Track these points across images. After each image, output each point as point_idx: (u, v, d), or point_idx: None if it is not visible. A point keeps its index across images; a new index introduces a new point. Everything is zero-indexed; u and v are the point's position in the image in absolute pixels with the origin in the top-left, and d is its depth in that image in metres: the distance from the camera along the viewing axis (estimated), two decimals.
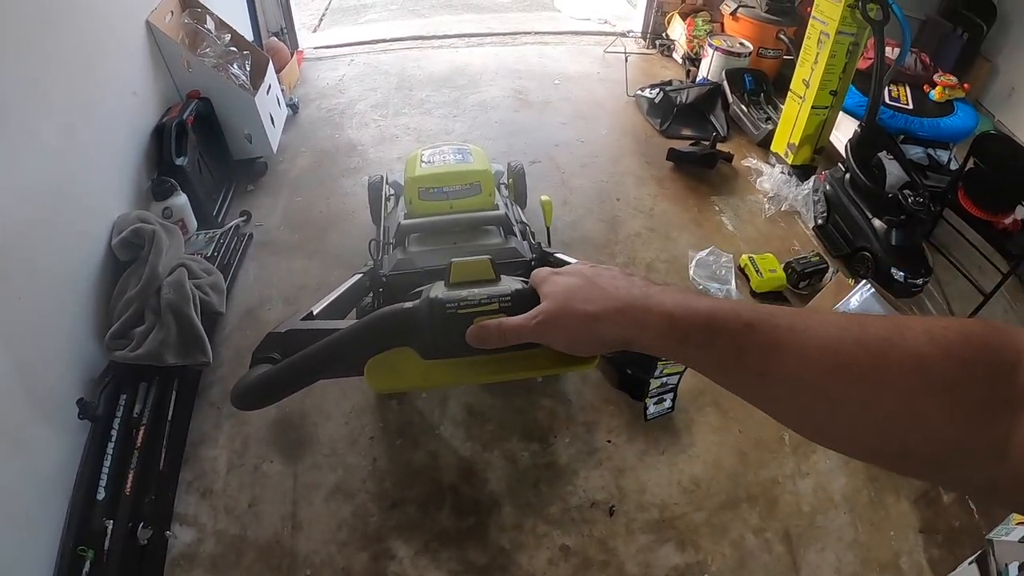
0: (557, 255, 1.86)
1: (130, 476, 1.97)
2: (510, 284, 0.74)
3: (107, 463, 1.97)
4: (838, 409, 0.46)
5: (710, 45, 4.26)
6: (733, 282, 2.76)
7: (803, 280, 2.77)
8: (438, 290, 0.75)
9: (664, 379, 1.10)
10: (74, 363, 2.09)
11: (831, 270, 2.84)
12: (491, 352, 0.69)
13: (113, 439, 2.02)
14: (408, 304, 0.73)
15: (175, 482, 2.06)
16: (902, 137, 3.38)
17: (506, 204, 2.34)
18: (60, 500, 1.88)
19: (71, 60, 2.29)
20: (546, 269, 0.69)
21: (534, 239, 2.08)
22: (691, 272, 2.83)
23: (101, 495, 1.91)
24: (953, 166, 3.27)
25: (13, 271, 1.84)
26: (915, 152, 3.36)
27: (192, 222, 2.85)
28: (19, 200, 1.91)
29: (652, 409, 1.37)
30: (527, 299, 0.71)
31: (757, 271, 2.75)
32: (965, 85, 3.68)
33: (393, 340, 0.73)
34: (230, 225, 2.98)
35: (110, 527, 1.84)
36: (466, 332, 0.66)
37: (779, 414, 0.50)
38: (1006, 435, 0.39)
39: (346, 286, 1.63)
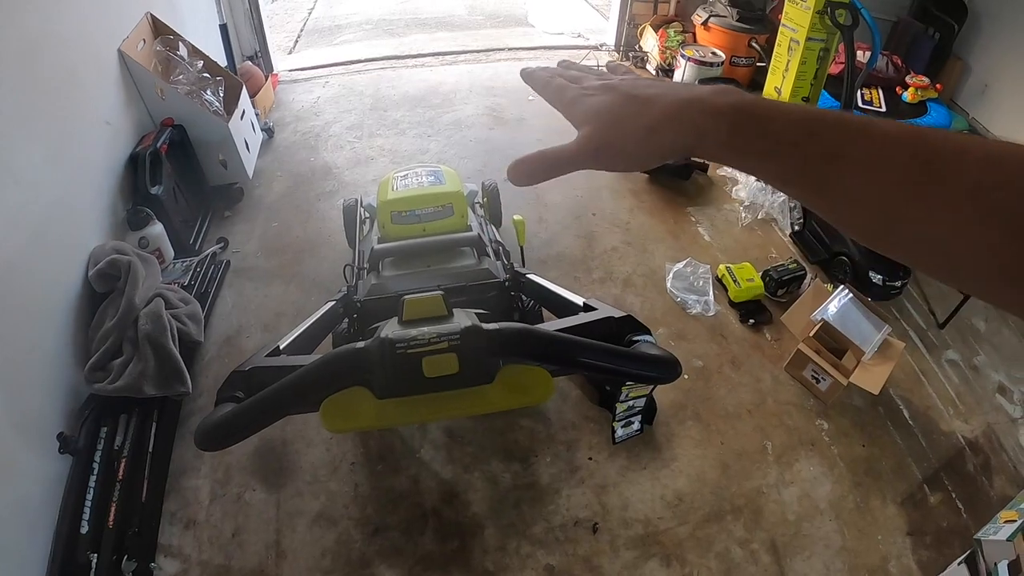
0: (530, 276, 1.86)
1: (112, 509, 1.96)
2: (461, 321, 0.75)
3: (90, 496, 1.96)
4: (894, 225, 0.44)
5: (682, 56, 4.30)
6: (711, 293, 2.77)
7: (781, 288, 2.78)
8: (391, 328, 0.76)
9: (630, 402, 1.10)
10: (55, 395, 2.09)
11: (809, 276, 2.86)
12: (441, 390, 0.70)
13: (95, 472, 2.01)
14: (360, 344, 0.74)
15: (158, 513, 2.05)
16: None
17: (480, 224, 2.34)
18: (45, 533, 1.88)
19: (44, 91, 2.29)
20: (566, 86, 0.62)
21: (508, 259, 2.09)
22: (668, 284, 2.84)
23: (85, 528, 1.90)
24: None
25: None
26: None
27: (169, 251, 2.83)
28: None
29: (620, 432, 1.37)
30: (478, 336, 0.72)
31: (735, 281, 2.76)
32: (937, 85, 3.72)
33: (346, 380, 0.73)
34: (207, 253, 2.97)
35: (94, 561, 1.84)
36: (508, 170, 0.58)
37: (838, 221, 0.48)
38: None
39: (316, 316, 1.63)
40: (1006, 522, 1.74)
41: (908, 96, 3.64)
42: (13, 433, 1.85)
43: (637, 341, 1.12)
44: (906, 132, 0.44)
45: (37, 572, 1.81)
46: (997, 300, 0.42)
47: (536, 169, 0.57)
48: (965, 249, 0.40)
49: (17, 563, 1.76)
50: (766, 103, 0.48)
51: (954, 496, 2.11)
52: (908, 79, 3.71)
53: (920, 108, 3.60)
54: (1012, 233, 0.38)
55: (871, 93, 3.68)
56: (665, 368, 0.76)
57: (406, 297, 0.81)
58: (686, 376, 2.45)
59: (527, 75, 0.68)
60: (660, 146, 0.52)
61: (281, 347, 1.23)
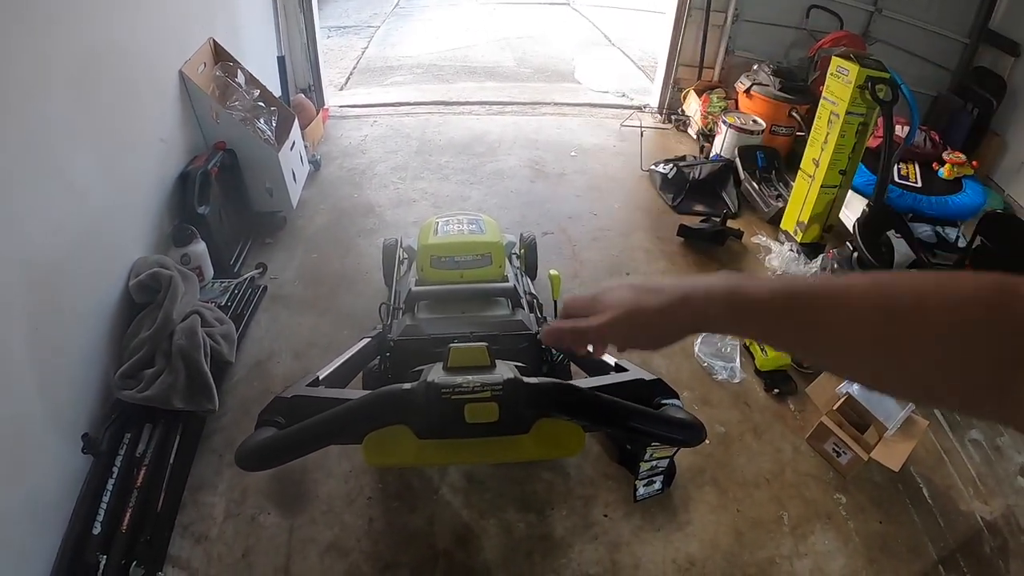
0: None
1: (127, 514, 1.97)
2: (503, 372, 0.79)
3: (106, 499, 1.98)
4: (872, 372, 0.54)
5: (724, 122, 4.35)
6: (738, 360, 2.77)
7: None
8: (436, 373, 0.80)
9: (654, 462, 1.12)
10: (84, 396, 2.14)
11: None
12: (480, 436, 0.74)
13: (114, 476, 2.04)
14: (407, 385, 0.78)
15: (171, 524, 2.07)
16: (911, 215, 3.41)
17: (516, 275, 2.38)
18: (56, 529, 1.90)
19: (107, 103, 2.39)
20: (580, 297, 0.76)
21: (541, 312, 2.12)
22: (696, 349, 2.84)
23: (97, 529, 1.92)
24: (961, 244, 3.30)
25: (34, 304, 1.89)
26: (923, 230, 3.40)
27: (209, 270, 2.91)
28: (47, 236, 1.99)
29: (642, 491, 1.38)
30: (518, 388, 0.76)
31: (762, 350, 2.76)
32: (974, 163, 3.74)
33: (391, 418, 0.77)
34: (245, 276, 3.04)
35: (103, 562, 1.85)
36: (540, 333, 0.72)
37: (828, 371, 0.62)
38: (1015, 385, 0.43)
39: (353, 351, 1.67)
40: None
41: (944, 172, 3.66)
42: (40, 427, 1.90)
43: (666, 404, 1.15)
44: (869, 294, 0.54)
45: (44, 567, 1.83)
46: (981, 413, 0.50)
47: (564, 337, 0.72)
48: (944, 381, 0.48)
49: (25, 555, 1.79)
50: (752, 286, 0.61)
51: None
52: (945, 155, 3.73)
53: (956, 185, 3.61)
54: (989, 361, 0.45)
55: (908, 168, 3.70)
56: (691, 432, 0.79)
57: (452, 345, 0.85)
58: (707, 441, 2.44)
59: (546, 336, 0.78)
60: (669, 324, 0.66)
61: (320, 377, 1.28)
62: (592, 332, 0.70)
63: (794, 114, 4.32)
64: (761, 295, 0.59)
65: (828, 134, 3.21)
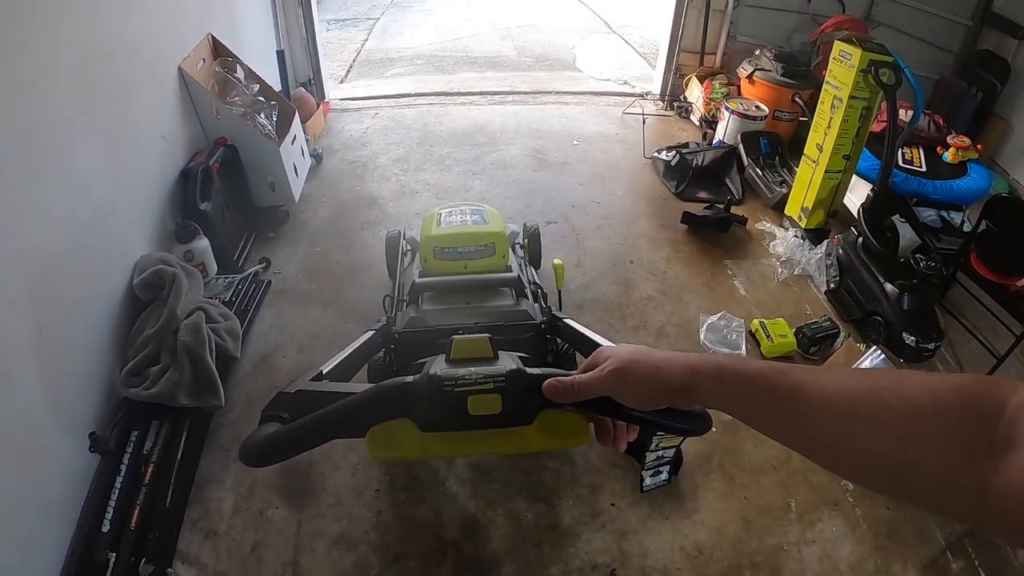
0: (566, 320, 1.88)
1: (136, 511, 1.98)
2: (506, 363, 0.79)
3: (114, 496, 1.99)
4: (849, 444, 0.56)
5: (726, 108, 4.32)
6: (743, 347, 2.77)
7: (813, 345, 2.76)
8: (438, 366, 0.80)
9: (660, 452, 1.12)
10: (90, 394, 2.14)
11: (842, 335, 2.84)
12: (483, 427, 0.74)
13: (122, 473, 2.04)
14: (409, 378, 0.78)
15: (180, 521, 2.07)
16: (915, 200, 3.39)
17: (520, 265, 2.38)
18: (65, 528, 1.91)
19: (107, 101, 2.39)
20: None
21: (546, 301, 2.12)
22: (702, 336, 2.84)
23: (106, 527, 1.92)
24: (967, 228, 3.28)
25: (38, 302, 1.89)
26: (928, 215, 3.38)
27: (212, 266, 2.91)
28: (50, 234, 1.99)
29: (648, 481, 1.38)
30: (521, 379, 0.75)
31: (768, 336, 2.76)
32: (979, 146, 3.71)
33: (393, 412, 0.77)
34: (249, 271, 3.04)
35: (112, 559, 1.86)
36: (542, 386, 0.75)
37: (803, 448, 0.62)
38: (987, 476, 0.46)
39: (357, 344, 1.67)
40: None
41: (949, 156, 3.63)
42: (46, 426, 1.90)
43: None
44: (855, 371, 0.62)
45: (54, 565, 1.83)
46: (953, 507, 0.51)
47: (566, 392, 0.74)
48: (907, 458, 0.51)
49: (36, 554, 1.79)
50: (737, 366, 0.66)
51: (977, 564, 2.07)
52: (949, 139, 3.69)
53: (960, 169, 3.58)
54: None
55: (912, 152, 3.67)
56: (697, 422, 0.78)
57: (454, 337, 0.85)
58: (714, 429, 2.41)
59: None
60: (662, 382, 0.68)
61: (324, 372, 1.27)
62: (587, 383, 0.73)
63: (797, 99, 4.29)
64: (743, 373, 0.64)
65: (831, 119, 3.18)
